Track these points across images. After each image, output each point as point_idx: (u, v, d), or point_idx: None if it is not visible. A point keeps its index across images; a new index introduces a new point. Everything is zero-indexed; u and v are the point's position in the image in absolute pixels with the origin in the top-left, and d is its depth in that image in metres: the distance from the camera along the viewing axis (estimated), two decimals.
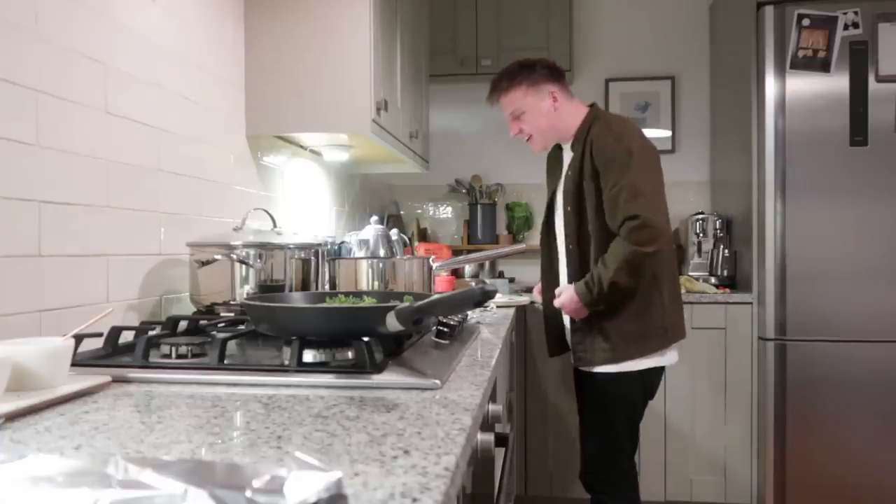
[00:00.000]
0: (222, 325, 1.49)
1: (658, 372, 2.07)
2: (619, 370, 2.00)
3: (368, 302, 1.31)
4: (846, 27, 2.77)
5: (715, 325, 2.94)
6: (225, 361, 1.14)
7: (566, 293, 2.00)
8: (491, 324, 1.96)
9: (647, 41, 3.69)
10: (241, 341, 1.37)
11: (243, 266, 1.56)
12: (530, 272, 3.50)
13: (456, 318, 1.58)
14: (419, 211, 3.96)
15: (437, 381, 1.03)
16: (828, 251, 2.80)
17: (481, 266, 3.47)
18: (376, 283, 2.02)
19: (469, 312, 2.02)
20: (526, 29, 3.45)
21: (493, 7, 3.49)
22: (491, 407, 1.21)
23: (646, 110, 3.68)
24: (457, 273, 3.32)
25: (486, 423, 1.15)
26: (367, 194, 3.40)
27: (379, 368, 1.08)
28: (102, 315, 1.15)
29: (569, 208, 2.04)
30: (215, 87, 1.91)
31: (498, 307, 2.46)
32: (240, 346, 1.35)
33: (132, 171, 1.51)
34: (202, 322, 1.44)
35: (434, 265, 2.15)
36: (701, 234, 3.28)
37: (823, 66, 2.79)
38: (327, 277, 2.04)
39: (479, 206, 3.76)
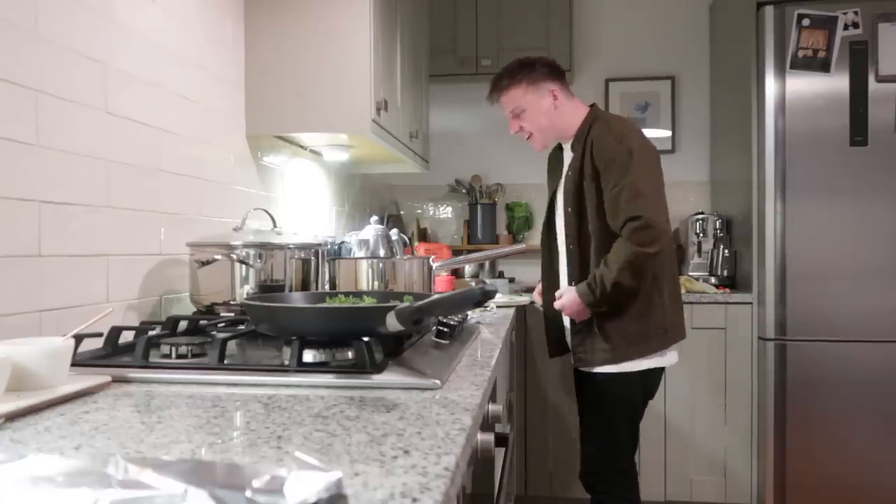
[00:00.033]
0: (222, 325, 1.49)
1: (658, 372, 2.07)
2: (619, 370, 2.00)
3: (368, 302, 1.31)
4: (846, 27, 2.77)
5: (715, 325, 2.94)
6: (225, 361, 1.14)
7: (567, 295, 2.00)
8: (491, 324, 1.96)
9: (647, 41, 3.69)
10: (241, 341, 1.37)
11: (243, 266, 1.56)
12: (530, 272, 3.50)
13: (456, 318, 1.58)
14: (419, 211, 3.96)
15: (437, 381, 1.03)
16: (828, 251, 2.80)
17: (481, 266, 3.47)
18: (376, 283, 2.02)
19: (469, 312, 2.02)
20: (526, 29, 3.45)
21: (493, 7, 3.49)
22: (491, 407, 1.21)
23: (646, 110, 3.68)
24: (457, 273, 3.32)
25: (486, 423, 1.15)
26: (367, 194, 3.40)
27: (379, 368, 1.08)
28: (102, 315, 1.15)
29: (569, 209, 2.04)
30: (215, 87, 1.91)
31: (498, 307, 2.46)
32: (240, 346, 1.35)
33: (132, 171, 1.51)
34: (202, 322, 1.44)
35: (434, 265, 2.15)
36: (701, 234, 3.28)
37: (823, 66, 2.79)
38: (327, 277, 2.04)
39: (479, 206, 3.76)
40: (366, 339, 1.12)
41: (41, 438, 0.78)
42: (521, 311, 2.90)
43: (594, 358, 2.02)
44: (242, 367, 1.12)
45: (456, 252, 3.48)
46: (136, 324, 1.48)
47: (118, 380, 1.07)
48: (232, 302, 1.57)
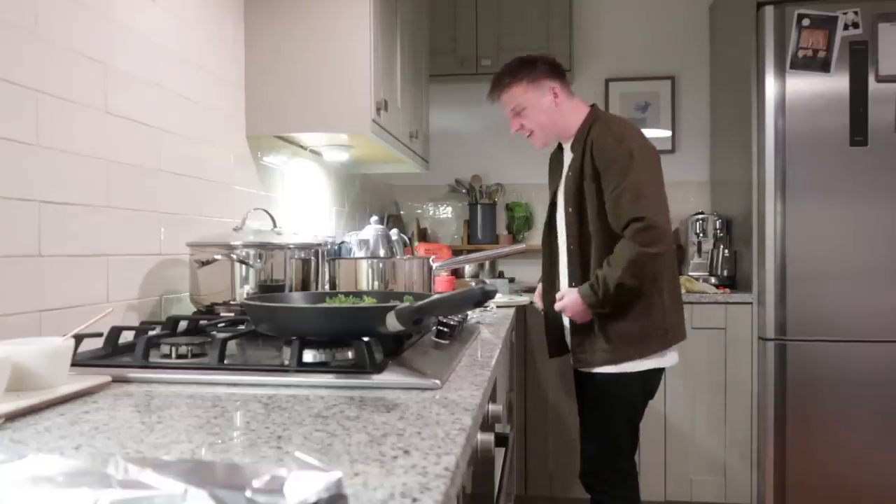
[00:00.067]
0: (222, 325, 1.49)
1: (658, 373, 2.07)
2: (619, 371, 2.00)
3: (368, 302, 1.31)
4: (846, 27, 2.77)
5: (715, 325, 2.94)
6: (225, 361, 1.14)
7: (569, 296, 2.00)
8: (491, 324, 1.96)
9: (647, 41, 3.69)
10: (241, 341, 1.37)
11: (243, 266, 1.56)
12: (530, 272, 3.50)
13: (456, 318, 1.58)
14: (419, 211, 3.96)
15: (437, 381, 1.03)
16: (828, 251, 2.80)
17: (481, 266, 3.47)
18: (376, 283, 2.02)
19: (469, 312, 2.02)
20: (526, 29, 3.45)
21: (493, 7, 3.49)
22: (491, 407, 1.21)
23: (646, 110, 3.68)
24: (457, 273, 3.32)
25: (486, 423, 1.15)
26: (367, 194, 3.40)
27: (379, 368, 1.08)
28: (102, 315, 1.15)
29: (570, 209, 2.04)
30: (215, 87, 1.91)
31: (498, 307, 2.46)
32: (240, 346, 1.35)
33: (132, 171, 1.51)
34: (202, 322, 1.44)
35: (434, 265, 2.15)
36: (701, 234, 3.28)
37: (823, 66, 2.79)
38: (327, 277, 2.04)
39: (479, 206, 3.76)
40: (366, 339, 1.12)
41: (41, 438, 0.78)
42: (521, 311, 2.90)
43: (594, 358, 2.02)
44: (242, 367, 1.12)
45: (456, 252, 3.48)
46: (136, 324, 1.48)
47: (118, 380, 1.07)
48: (232, 302, 1.57)
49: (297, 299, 1.42)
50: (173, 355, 1.19)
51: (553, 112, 2.08)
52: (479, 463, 1.08)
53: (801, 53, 2.80)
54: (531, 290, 2.56)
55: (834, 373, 2.79)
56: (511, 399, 2.50)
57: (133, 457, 0.64)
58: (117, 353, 1.24)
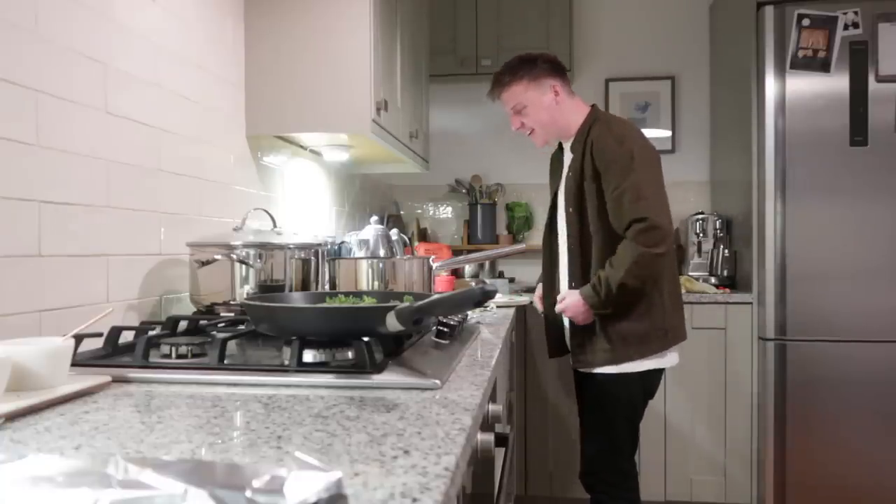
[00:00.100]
0: (222, 325, 1.49)
1: (658, 373, 2.07)
2: (619, 371, 2.00)
3: (368, 302, 1.31)
4: (846, 27, 2.77)
5: (715, 325, 2.94)
6: (225, 361, 1.14)
7: (570, 297, 2.00)
8: (491, 324, 1.96)
9: (647, 41, 3.69)
10: (241, 341, 1.37)
11: (243, 266, 1.56)
12: (530, 272, 3.50)
13: (456, 318, 1.58)
14: (419, 211, 3.96)
15: (437, 381, 1.03)
16: (828, 251, 2.80)
17: (481, 266, 3.47)
18: (376, 283, 2.02)
19: (469, 312, 2.02)
20: (526, 29, 3.45)
21: (493, 7, 3.49)
22: (491, 407, 1.21)
23: (646, 110, 3.68)
24: (457, 273, 3.32)
25: (486, 423, 1.15)
26: (367, 194, 3.40)
27: (379, 368, 1.08)
28: (102, 315, 1.15)
29: (570, 209, 2.04)
30: (215, 87, 1.91)
31: (498, 307, 2.46)
32: (240, 346, 1.35)
33: (132, 171, 1.51)
34: (202, 322, 1.44)
35: (434, 265, 2.15)
36: (701, 234, 3.28)
37: (823, 66, 2.79)
38: (327, 277, 2.04)
39: (479, 206, 3.76)
40: (366, 339, 1.12)
41: (41, 438, 0.78)
42: (521, 311, 2.90)
43: (594, 359, 2.02)
44: (242, 367, 1.12)
45: (456, 252, 3.48)
46: (136, 324, 1.48)
47: (118, 380, 1.07)
48: (232, 302, 1.57)
49: (297, 299, 1.42)
50: (173, 355, 1.19)
51: (554, 110, 2.08)
52: (479, 463, 1.08)
53: (801, 53, 2.80)
54: (531, 290, 2.56)
55: (834, 373, 2.79)
56: (511, 399, 2.50)
57: (133, 457, 0.64)
58: (117, 353, 1.24)
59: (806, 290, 2.81)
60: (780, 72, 2.82)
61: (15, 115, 1.19)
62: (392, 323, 1.07)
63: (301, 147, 2.48)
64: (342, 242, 2.23)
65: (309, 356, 1.10)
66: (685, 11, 3.65)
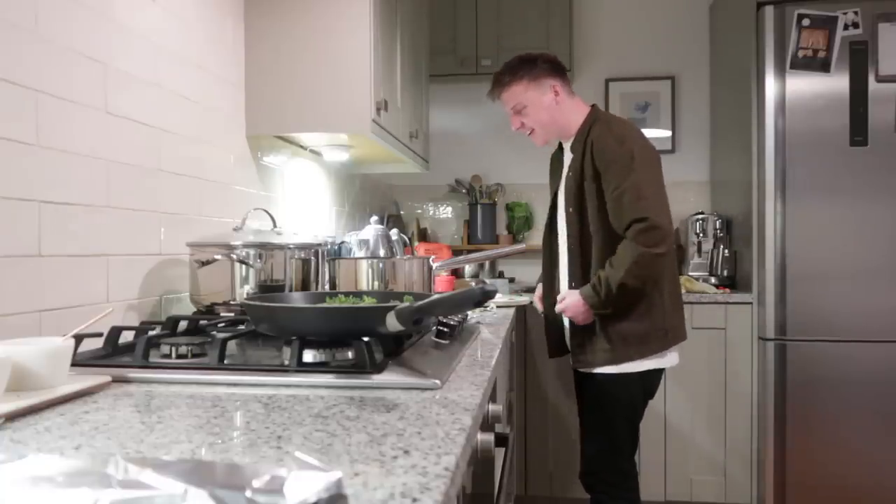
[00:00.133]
0: (222, 325, 1.49)
1: (658, 373, 2.07)
2: (619, 371, 2.00)
3: (368, 302, 1.31)
4: (846, 27, 2.77)
5: (715, 325, 2.94)
6: (225, 361, 1.14)
7: (570, 297, 2.00)
8: (491, 324, 1.96)
9: (647, 41, 3.69)
10: (241, 341, 1.37)
11: (243, 266, 1.56)
12: (530, 272, 3.49)
13: (456, 318, 1.58)
14: (419, 211, 3.96)
15: (437, 381, 1.03)
16: (828, 251, 2.80)
17: (481, 266, 3.47)
18: (376, 283, 2.02)
19: (469, 312, 2.02)
20: (526, 29, 3.45)
21: (493, 7, 3.49)
22: (491, 407, 1.21)
23: (646, 110, 3.68)
24: (457, 273, 3.32)
25: (486, 423, 1.15)
26: (367, 194, 3.40)
27: (379, 368, 1.08)
28: (102, 315, 1.15)
29: (570, 209, 2.04)
30: (215, 87, 1.91)
31: (498, 307, 2.46)
32: (240, 346, 1.35)
33: (132, 171, 1.51)
34: (202, 322, 1.44)
35: (434, 265, 2.15)
36: (701, 234, 3.28)
37: (823, 66, 2.79)
38: (327, 277, 2.04)
39: (479, 206, 3.76)
40: (366, 339, 1.12)
41: (41, 438, 0.78)
42: (521, 311, 2.90)
43: (594, 359, 2.02)
44: (242, 367, 1.12)
45: (456, 252, 3.48)
46: (136, 324, 1.48)
47: (118, 380, 1.07)
48: (232, 302, 1.57)
49: (297, 299, 1.42)
50: (173, 355, 1.19)
51: (554, 110, 2.08)
52: (479, 463, 1.08)
53: (801, 53, 2.80)
54: (531, 290, 2.56)
55: (834, 373, 2.79)
56: (511, 399, 2.50)
57: (133, 457, 0.64)
58: (117, 353, 1.24)
59: (806, 290, 2.81)
60: (780, 72, 2.82)
61: (15, 115, 1.19)
62: (392, 323, 1.07)
63: (301, 147, 2.48)
64: (342, 242, 2.23)
65: (309, 356, 1.10)
66: (685, 11, 3.65)
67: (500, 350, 1.49)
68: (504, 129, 2.27)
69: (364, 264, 2.03)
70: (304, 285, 1.67)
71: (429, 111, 3.20)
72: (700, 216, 3.30)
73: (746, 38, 2.95)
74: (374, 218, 2.28)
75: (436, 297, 1.08)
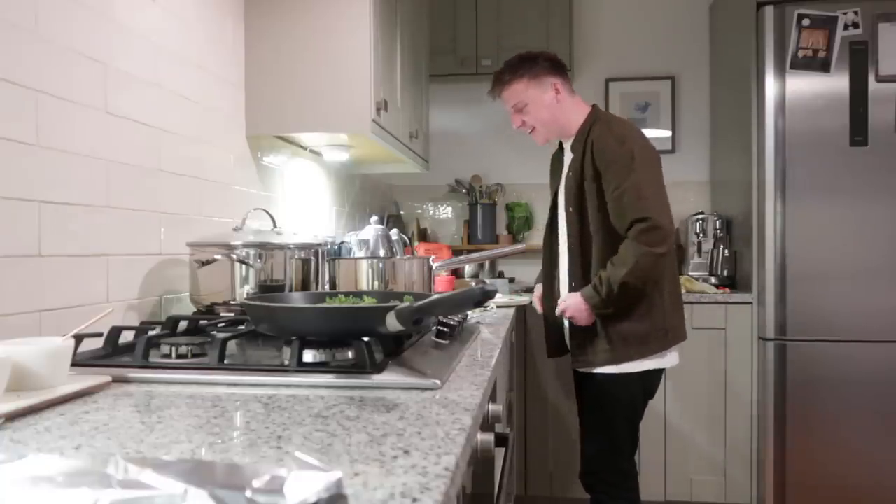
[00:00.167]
0: (222, 325, 1.49)
1: (658, 373, 2.07)
2: (619, 371, 2.00)
3: (368, 302, 1.31)
4: (846, 27, 2.77)
5: (715, 325, 2.94)
6: (225, 361, 1.14)
7: (571, 299, 2.00)
8: (491, 324, 1.96)
9: (647, 41, 3.69)
10: (241, 341, 1.37)
11: (243, 266, 1.56)
12: (530, 272, 3.49)
13: (456, 318, 1.58)
14: (419, 211, 3.96)
15: (437, 381, 1.03)
16: (828, 251, 2.80)
17: (481, 266, 3.47)
18: (376, 283, 2.02)
19: (469, 312, 2.02)
20: (526, 29, 3.45)
21: (493, 7, 3.49)
22: (491, 407, 1.21)
23: (646, 110, 3.68)
24: (457, 273, 3.32)
25: (486, 423, 1.15)
26: (367, 194, 3.40)
27: (379, 368, 1.08)
28: (102, 315, 1.15)
29: (570, 208, 2.04)
30: (215, 87, 1.91)
31: (498, 307, 2.46)
32: (240, 346, 1.35)
33: (132, 171, 1.51)
34: (202, 322, 1.44)
35: (434, 265, 2.15)
36: (701, 234, 3.28)
37: (823, 66, 2.79)
38: (327, 277, 2.04)
39: (479, 206, 3.76)
40: (366, 339, 1.12)
41: (41, 438, 0.78)
42: (521, 311, 2.90)
43: (595, 359, 2.01)
44: (242, 367, 1.12)
45: (456, 252, 3.48)
46: (136, 324, 1.48)
47: (118, 380, 1.07)
48: (232, 302, 1.57)
49: (297, 299, 1.42)
50: (173, 355, 1.19)
51: (555, 108, 2.08)
52: (479, 463, 1.08)
53: (801, 53, 2.80)
54: (531, 290, 2.56)
55: (834, 373, 2.79)
56: (511, 399, 2.50)
57: (133, 457, 0.64)
58: (117, 353, 1.24)
59: (806, 290, 2.81)
60: (780, 72, 2.82)
61: (15, 115, 1.19)
62: (392, 323, 1.07)
63: (301, 147, 2.48)
64: (342, 242, 2.23)
65: (309, 356, 1.10)
66: (685, 11, 3.65)
67: (500, 350, 1.49)
68: (504, 129, 2.28)
69: (364, 264, 2.03)
70: (304, 285, 1.67)
71: (429, 111, 3.20)
72: (700, 216, 3.30)
73: (746, 38, 2.95)
74: (374, 218, 2.28)
75: (436, 297, 1.08)
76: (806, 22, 2.79)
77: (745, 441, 2.93)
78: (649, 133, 3.32)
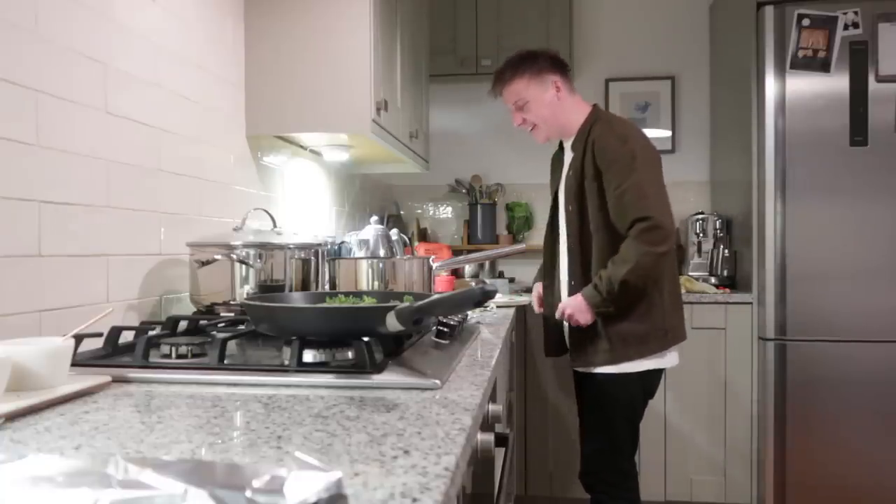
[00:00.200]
0: (222, 325, 1.49)
1: (658, 373, 2.07)
2: (619, 371, 2.00)
3: (368, 302, 1.31)
4: (846, 27, 2.77)
5: (715, 325, 2.94)
6: (225, 361, 1.14)
7: (571, 300, 2.00)
8: (491, 324, 1.96)
9: (647, 41, 3.69)
10: (241, 341, 1.37)
11: (243, 266, 1.56)
12: (530, 272, 3.48)
13: (456, 318, 1.58)
14: (419, 211, 3.96)
15: (437, 381, 1.03)
16: (828, 251, 2.80)
17: (481, 266, 3.47)
18: (376, 283, 2.02)
19: (469, 312, 2.02)
20: (526, 29, 3.45)
21: (493, 7, 3.49)
22: (491, 407, 1.21)
23: (646, 110, 3.68)
24: (457, 273, 3.32)
25: (486, 423, 1.15)
26: (367, 194, 3.40)
27: (379, 368, 1.08)
28: (102, 315, 1.15)
29: (570, 207, 2.04)
30: (215, 87, 1.91)
31: (498, 307, 2.46)
32: (240, 346, 1.35)
33: (132, 171, 1.51)
34: (202, 322, 1.44)
35: (434, 265, 2.15)
36: (701, 234, 3.28)
37: (823, 66, 2.79)
38: (327, 277, 2.04)
39: (479, 206, 3.76)
40: (366, 339, 1.12)
41: (41, 438, 0.78)
42: (521, 311, 2.90)
43: (594, 359, 2.01)
44: (242, 367, 1.12)
45: (456, 252, 3.48)
46: (136, 324, 1.48)
47: (118, 380, 1.07)
48: (232, 302, 1.57)
49: (297, 299, 1.42)
50: (173, 355, 1.19)
51: (556, 106, 2.08)
52: (479, 463, 1.08)
53: (801, 53, 2.80)
54: (531, 289, 2.56)
55: (834, 373, 2.79)
56: (511, 399, 2.50)
57: (133, 457, 0.64)
58: (117, 353, 1.24)
59: (806, 290, 2.81)
60: (780, 72, 2.82)
61: (15, 115, 1.19)
62: (392, 323, 1.07)
63: (301, 147, 2.48)
64: (342, 242, 2.23)
65: (309, 356, 1.10)
66: (685, 11, 3.65)
67: (500, 350, 1.49)
68: (504, 129, 2.28)
69: (364, 264, 2.03)
70: (304, 285, 1.67)
71: (429, 111, 3.20)
72: (700, 216, 3.30)
73: (746, 38, 2.95)
74: (374, 218, 2.28)
75: (436, 297, 1.08)
76: (806, 22, 2.79)
77: (745, 441, 2.93)
78: (649, 133, 3.31)
